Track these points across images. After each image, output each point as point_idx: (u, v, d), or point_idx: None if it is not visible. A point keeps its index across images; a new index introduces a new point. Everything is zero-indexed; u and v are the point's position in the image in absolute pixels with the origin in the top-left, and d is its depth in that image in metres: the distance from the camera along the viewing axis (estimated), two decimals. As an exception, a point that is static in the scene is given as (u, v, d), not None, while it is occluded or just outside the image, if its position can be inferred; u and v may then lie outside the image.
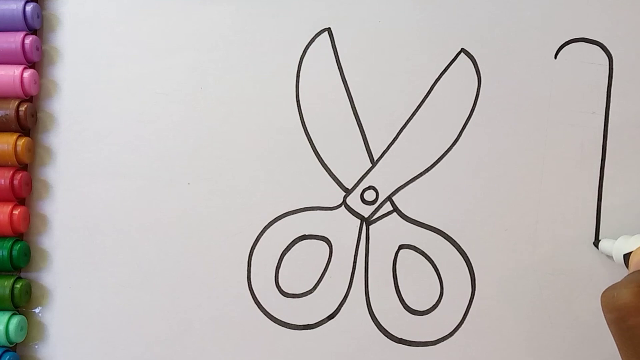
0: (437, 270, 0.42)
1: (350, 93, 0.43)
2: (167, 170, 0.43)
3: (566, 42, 0.41)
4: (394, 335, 0.42)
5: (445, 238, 0.42)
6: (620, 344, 0.30)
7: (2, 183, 0.42)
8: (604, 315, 0.31)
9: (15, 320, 0.42)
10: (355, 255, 0.42)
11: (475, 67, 0.42)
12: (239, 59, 0.43)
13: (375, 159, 0.42)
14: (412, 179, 0.42)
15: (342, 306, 0.42)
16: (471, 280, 0.41)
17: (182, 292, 0.43)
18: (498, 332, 0.41)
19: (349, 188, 0.42)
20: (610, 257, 0.39)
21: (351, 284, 0.42)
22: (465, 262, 0.41)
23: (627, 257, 0.36)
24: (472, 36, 0.42)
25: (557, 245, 0.41)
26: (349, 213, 0.42)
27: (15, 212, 0.42)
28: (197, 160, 0.43)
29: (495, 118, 0.42)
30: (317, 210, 0.42)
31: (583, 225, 0.41)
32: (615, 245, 0.38)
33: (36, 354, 0.44)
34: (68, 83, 0.44)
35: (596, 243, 0.40)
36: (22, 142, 0.42)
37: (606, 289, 0.31)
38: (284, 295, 0.42)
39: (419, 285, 0.42)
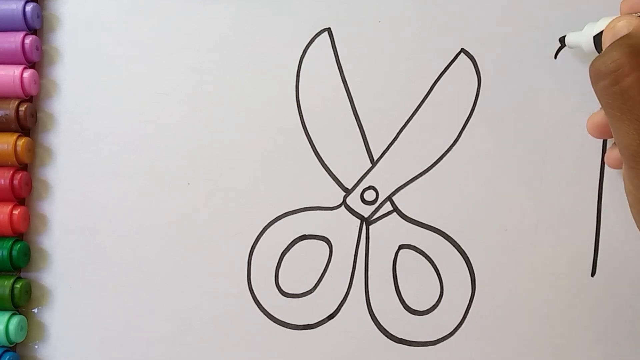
0: (437, 270, 0.42)
1: (350, 93, 0.43)
2: (167, 170, 0.43)
3: (566, 42, 0.41)
4: (394, 335, 0.42)
5: (445, 238, 0.42)
6: (613, 114, 0.29)
7: (2, 183, 0.42)
8: (594, 87, 0.30)
9: (15, 320, 0.42)
10: (355, 255, 0.42)
11: (475, 67, 0.42)
12: (239, 59, 0.43)
13: (375, 159, 0.42)
14: (412, 179, 0.42)
15: (342, 306, 0.42)
16: (471, 280, 0.41)
17: (182, 292, 0.43)
18: (498, 332, 0.41)
19: (349, 188, 0.42)
20: (576, 48, 0.37)
21: (351, 284, 0.42)
22: (465, 262, 0.41)
23: (597, 39, 0.34)
24: (472, 36, 0.42)
25: (557, 245, 0.41)
26: (349, 213, 0.42)
27: (15, 212, 0.42)
28: (197, 160, 0.43)
29: (495, 118, 0.42)
30: (317, 210, 0.42)
31: (583, 225, 0.41)
32: (583, 32, 0.36)
33: (36, 354, 0.44)
34: (68, 83, 0.44)
35: (562, 39, 0.39)
36: (22, 142, 0.43)
37: (593, 60, 0.30)
38: (284, 295, 0.42)
39: (419, 285, 0.42)
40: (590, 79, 0.30)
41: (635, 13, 0.33)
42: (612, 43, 0.30)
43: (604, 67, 0.29)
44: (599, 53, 0.35)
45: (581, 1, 0.41)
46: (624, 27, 0.31)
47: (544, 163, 0.41)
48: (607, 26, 0.33)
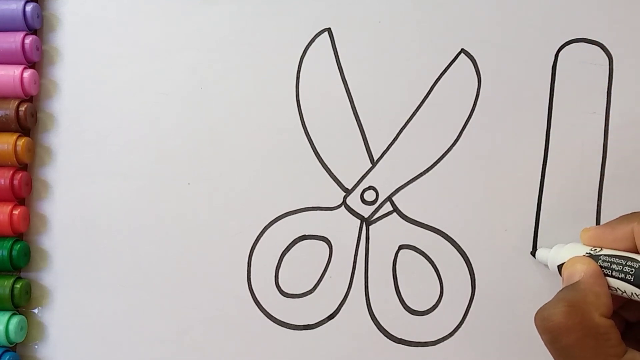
0: (437, 270, 0.42)
1: (350, 93, 0.43)
2: (167, 170, 0.43)
3: (566, 42, 0.41)
4: (394, 335, 0.42)
5: (445, 238, 0.42)
6: None
7: (2, 183, 0.42)
8: (540, 335, 0.31)
9: (15, 320, 0.42)
10: (355, 256, 0.42)
11: (475, 67, 0.42)
12: (239, 59, 0.43)
13: (375, 159, 0.42)
14: (412, 179, 0.42)
15: (342, 306, 0.42)
16: (471, 280, 0.41)
17: (182, 292, 0.43)
18: (498, 332, 0.41)
19: (349, 188, 0.42)
20: (546, 266, 0.38)
21: (351, 284, 0.42)
22: (465, 262, 0.41)
23: (561, 267, 0.36)
24: (472, 36, 0.42)
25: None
26: (349, 213, 0.42)
27: (15, 212, 0.42)
28: (197, 160, 0.43)
29: (495, 118, 0.42)
30: (317, 210, 0.42)
31: (583, 226, 0.41)
32: (550, 256, 0.37)
33: (36, 354, 0.44)
34: (68, 83, 0.44)
35: (533, 252, 0.40)
36: (22, 142, 0.43)
37: (539, 310, 0.31)
38: (284, 295, 0.42)
39: (419, 285, 0.42)
40: (536, 328, 0.31)
41: (594, 248, 0.34)
42: (558, 296, 0.32)
43: (545, 323, 0.31)
44: (561, 276, 0.35)
45: (580, 2, 0.41)
46: (576, 273, 0.33)
47: (544, 163, 0.41)
48: (565, 264, 0.34)
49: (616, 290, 0.32)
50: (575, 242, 0.36)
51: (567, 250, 0.36)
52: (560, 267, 0.36)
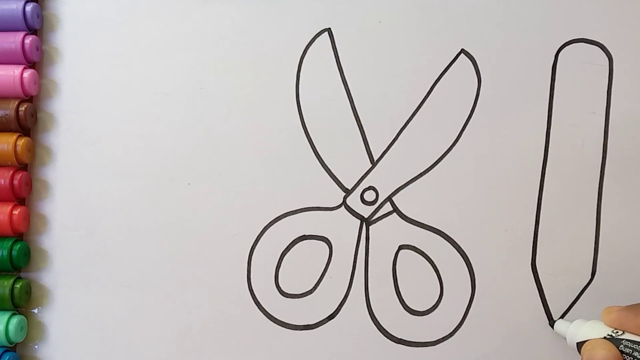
0: (437, 270, 0.42)
1: (350, 93, 0.43)
2: (167, 170, 0.43)
3: (566, 42, 0.41)
4: (394, 336, 0.42)
5: (445, 238, 0.42)
6: None
7: (2, 183, 0.42)
8: None
9: (15, 320, 0.42)
10: (355, 256, 0.42)
11: (475, 67, 0.42)
12: (239, 59, 0.43)
13: (375, 159, 0.42)
14: (412, 179, 0.42)
15: (342, 306, 0.42)
16: (471, 280, 0.41)
17: (182, 292, 0.43)
18: (498, 332, 0.41)
19: (349, 188, 0.42)
20: (564, 339, 0.38)
21: (351, 284, 0.42)
22: (465, 262, 0.41)
23: (580, 345, 0.35)
24: (472, 36, 0.42)
25: (557, 245, 0.41)
26: (349, 213, 0.42)
27: (15, 212, 0.42)
28: (197, 160, 0.43)
29: (495, 118, 0.42)
30: (317, 210, 0.42)
31: (583, 225, 0.41)
32: (569, 331, 0.37)
33: (36, 354, 0.44)
34: (68, 83, 0.44)
35: (552, 324, 0.40)
36: (22, 142, 0.43)
37: None
38: (284, 296, 0.42)
39: (419, 285, 0.42)
40: None
41: (616, 330, 0.34)
42: None
43: None
44: (579, 353, 0.35)
45: (580, 2, 0.41)
46: (596, 357, 0.32)
47: (544, 163, 0.41)
48: (585, 346, 0.34)
49: None
50: (596, 320, 0.36)
51: (588, 328, 0.35)
52: (579, 344, 0.35)
